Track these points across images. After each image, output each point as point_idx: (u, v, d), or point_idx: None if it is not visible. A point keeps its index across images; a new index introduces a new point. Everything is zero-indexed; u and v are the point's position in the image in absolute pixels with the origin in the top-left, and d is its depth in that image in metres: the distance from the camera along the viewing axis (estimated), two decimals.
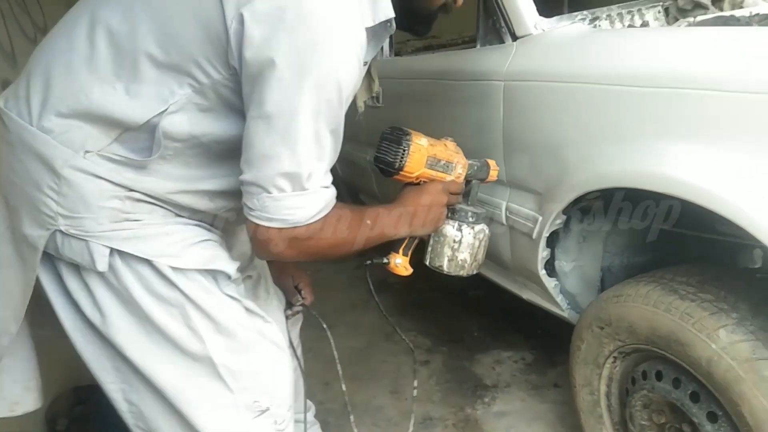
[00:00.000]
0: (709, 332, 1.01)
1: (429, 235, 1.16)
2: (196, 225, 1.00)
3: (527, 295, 1.60)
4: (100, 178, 0.90)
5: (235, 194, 0.94)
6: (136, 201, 0.94)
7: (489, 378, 1.97)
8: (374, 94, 1.26)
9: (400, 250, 1.13)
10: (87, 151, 0.90)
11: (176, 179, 0.95)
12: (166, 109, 0.88)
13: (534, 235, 1.36)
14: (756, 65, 0.87)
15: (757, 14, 1.11)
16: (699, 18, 1.14)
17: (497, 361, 2.06)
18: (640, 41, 1.08)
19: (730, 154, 0.88)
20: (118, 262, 0.92)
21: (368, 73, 1.20)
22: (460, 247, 1.13)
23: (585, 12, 1.26)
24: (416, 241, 1.14)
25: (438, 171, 1.10)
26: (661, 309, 1.10)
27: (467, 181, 1.18)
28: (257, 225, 0.88)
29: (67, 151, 0.90)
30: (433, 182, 1.10)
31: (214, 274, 0.97)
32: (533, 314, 1.77)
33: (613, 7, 1.26)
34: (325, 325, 1.35)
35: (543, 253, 1.37)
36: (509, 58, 1.32)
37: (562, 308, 1.47)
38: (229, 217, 1.05)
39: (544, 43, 1.25)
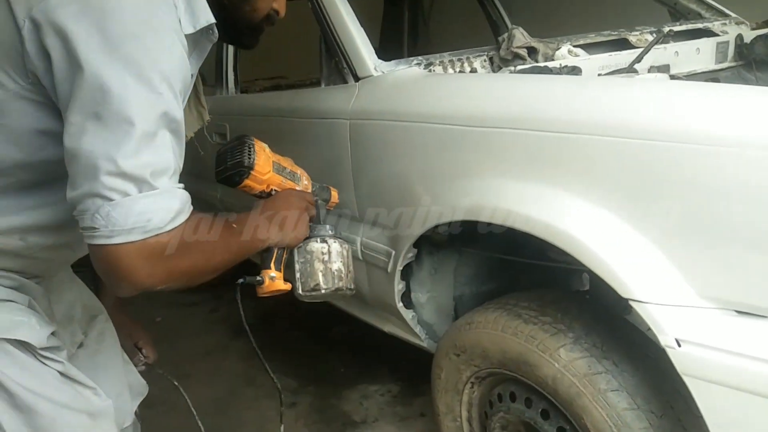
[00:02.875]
0: (551, 352, 1.08)
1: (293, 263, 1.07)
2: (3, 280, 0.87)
3: (388, 327, 1.62)
4: None
5: (53, 228, 0.84)
6: None
7: (357, 414, 1.94)
8: (205, 123, 1.20)
9: (272, 264, 1.02)
10: None
11: None
12: None
13: (389, 269, 1.38)
14: (555, 108, 0.97)
15: (566, 66, 1.25)
16: (519, 67, 1.26)
17: (364, 395, 2.04)
18: (467, 86, 1.16)
19: (554, 188, 0.97)
20: None
21: (197, 100, 1.16)
22: (331, 257, 1.06)
23: (420, 57, 1.33)
24: (285, 255, 1.04)
25: (286, 178, 1.07)
26: (508, 333, 1.16)
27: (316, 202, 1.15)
28: (105, 247, 0.72)
29: None
30: (286, 189, 1.06)
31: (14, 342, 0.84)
32: (396, 346, 1.79)
33: (445, 54, 1.34)
34: (176, 383, 1.26)
35: (398, 286, 1.40)
36: (353, 98, 1.34)
37: (421, 338, 1.50)
38: (49, 259, 0.91)
39: (384, 84, 1.30)
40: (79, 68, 0.70)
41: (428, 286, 1.46)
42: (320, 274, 1.06)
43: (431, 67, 1.33)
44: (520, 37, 1.33)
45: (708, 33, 1.71)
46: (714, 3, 1.99)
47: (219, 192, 2.14)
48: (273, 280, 1.02)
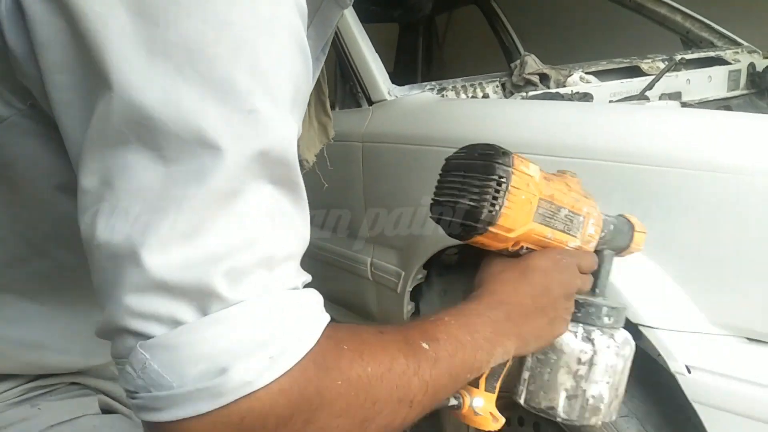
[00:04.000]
0: None
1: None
2: None
3: None
4: None
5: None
6: None
7: None
8: (330, 141, 0.85)
9: (481, 382, 0.58)
10: None
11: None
12: None
13: (398, 290, 1.39)
14: (564, 134, 0.98)
15: (577, 92, 1.27)
16: (531, 93, 1.28)
17: None
18: (478, 111, 1.18)
19: None
20: None
21: (321, 105, 0.78)
22: (592, 372, 0.61)
23: (433, 83, 1.36)
24: (509, 363, 0.59)
25: (556, 230, 0.59)
26: None
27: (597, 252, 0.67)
28: (157, 425, 0.36)
29: None
30: (548, 250, 0.60)
31: None
32: None
33: (458, 80, 1.36)
34: None
35: (408, 307, 1.40)
36: (366, 121, 1.37)
37: None
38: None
39: (397, 108, 1.32)
40: (102, 83, 0.35)
41: (438, 307, 1.46)
42: (563, 396, 0.62)
43: (444, 92, 1.35)
44: (533, 63, 1.35)
45: (720, 61, 1.73)
46: (726, 32, 2.01)
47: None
48: (476, 412, 0.58)
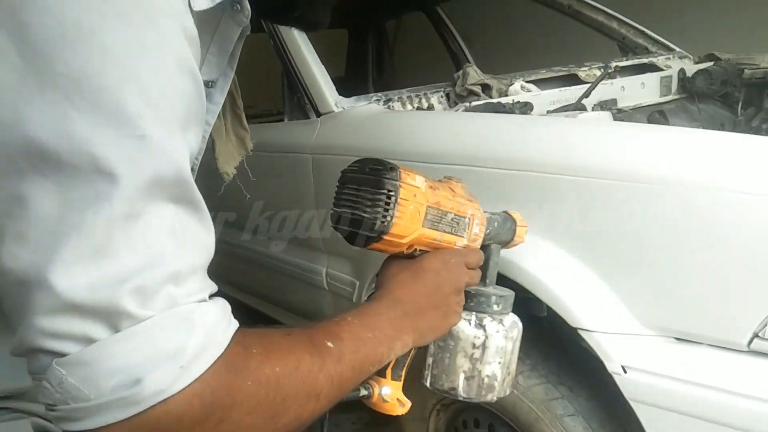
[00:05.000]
0: None
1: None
2: None
3: None
4: None
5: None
6: None
7: None
8: (249, 153, 0.85)
9: (388, 372, 0.64)
10: None
11: None
12: None
13: (354, 299, 1.41)
14: (500, 146, 1.03)
15: (518, 102, 1.32)
16: (474, 103, 1.32)
17: (336, 424, 2.03)
18: (421, 123, 1.21)
19: None
20: None
21: (237, 117, 0.81)
22: (485, 355, 0.68)
23: (380, 94, 1.38)
24: (412, 354, 0.65)
25: (444, 233, 0.65)
26: None
27: (483, 247, 0.74)
28: None
29: None
30: (438, 252, 0.66)
31: None
32: None
33: (403, 90, 1.39)
34: None
35: None
36: (315, 133, 1.38)
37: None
38: None
39: (344, 120, 1.34)
40: None
41: None
42: (461, 377, 0.69)
43: (390, 103, 1.38)
44: (474, 75, 1.39)
45: (652, 68, 1.82)
46: (659, 38, 2.11)
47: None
48: (385, 399, 0.64)
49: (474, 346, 0.68)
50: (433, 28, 2.67)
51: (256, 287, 1.90)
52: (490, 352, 0.68)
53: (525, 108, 1.35)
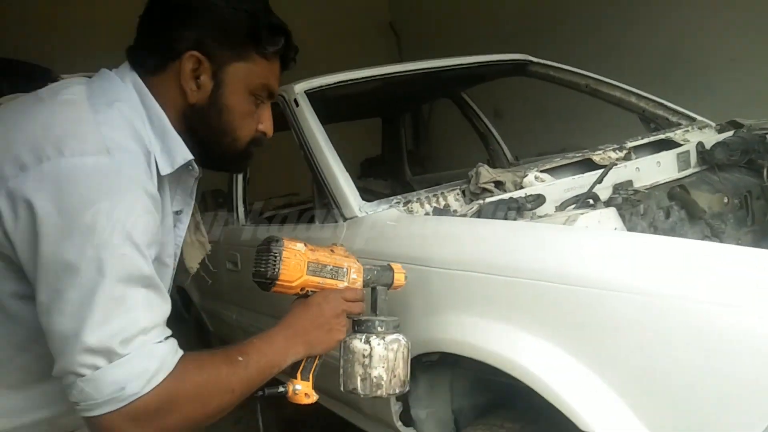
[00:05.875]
0: None
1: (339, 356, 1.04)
2: None
3: None
4: None
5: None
6: None
7: None
8: (207, 252, 1.20)
9: (298, 374, 0.98)
10: None
11: (11, 414, 0.84)
12: None
13: None
14: (503, 255, 1.09)
15: (531, 195, 1.40)
16: (487, 200, 1.41)
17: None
18: (429, 230, 1.33)
19: (514, 327, 1.08)
20: None
21: (198, 230, 1.16)
22: (372, 362, 1.00)
23: (399, 197, 1.49)
24: (317, 362, 1.00)
25: (326, 278, 1.00)
26: None
27: (372, 289, 1.08)
28: (92, 418, 0.73)
29: None
30: (323, 291, 1.00)
31: None
32: None
33: (421, 192, 1.50)
34: None
35: (395, 407, 1.48)
36: (341, 237, 1.50)
37: None
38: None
39: (366, 225, 1.46)
40: (38, 246, 0.72)
41: (426, 402, 1.53)
42: (359, 379, 1.01)
43: (410, 205, 1.48)
44: (485, 174, 1.49)
45: (669, 144, 1.86)
46: (679, 108, 2.16)
47: (234, 313, 2.30)
48: (296, 392, 0.98)
49: (363, 356, 1.02)
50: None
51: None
52: (375, 360, 1.01)
53: (537, 201, 1.42)
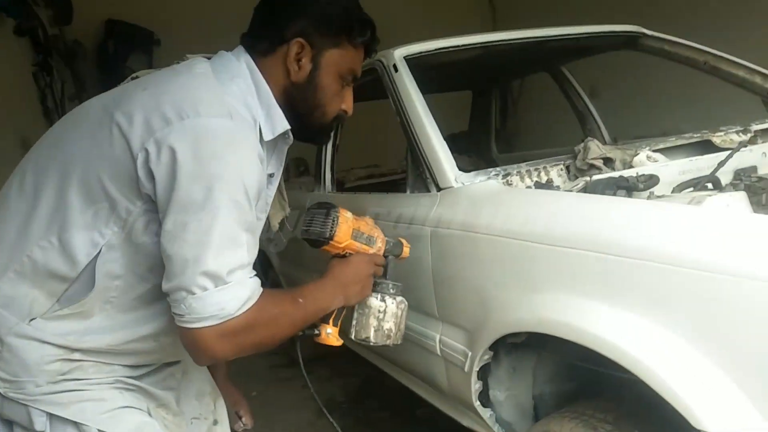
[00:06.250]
0: None
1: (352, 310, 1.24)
2: (134, 391, 1.05)
3: (467, 422, 1.64)
4: (44, 342, 0.95)
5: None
6: (77, 361, 0.98)
7: None
8: (287, 214, 1.39)
9: (331, 321, 1.18)
10: (32, 318, 0.95)
11: (120, 328, 0.99)
12: (99, 251, 0.94)
13: (466, 369, 1.43)
14: (621, 233, 1.01)
15: (643, 174, 1.29)
16: (594, 177, 1.31)
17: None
18: (538, 204, 1.24)
19: (624, 310, 1.00)
20: (56, 424, 0.97)
21: (280, 194, 1.31)
22: (385, 316, 1.22)
23: (498, 168, 1.42)
24: (344, 312, 1.20)
25: (362, 243, 1.20)
26: None
27: (385, 258, 1.28)
28: (190, 329, 0.90)
29: (11, 319, 0.95)
30: (359, 254, 1.20)
31: None
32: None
33: (522, 164, 1.42)
34: None
35: (475, 386, 1.43)
36: (434, 207, 1.45)
37: None
38: (178, 350, 1.03)
39: (463, 195, 1.40)
40: (175, 183, 0.88)
41: (507, 385, 1.48)
42: (372, 330, 1.22)
43: (509, 177, 1.41)
44: (595, 149, 1.39)
45: None
46: None
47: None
48: (329, 335, 1.18)
49: (379, 311, 1.23)
50: (556, 87, 2.66)
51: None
52: (388, 315, 1.23)
53: (650, 182, 1.31)
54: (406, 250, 1.31)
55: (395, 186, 2.31)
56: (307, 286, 1.10)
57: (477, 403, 1.46)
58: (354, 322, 1.23)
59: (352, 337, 1.23)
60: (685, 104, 2.85)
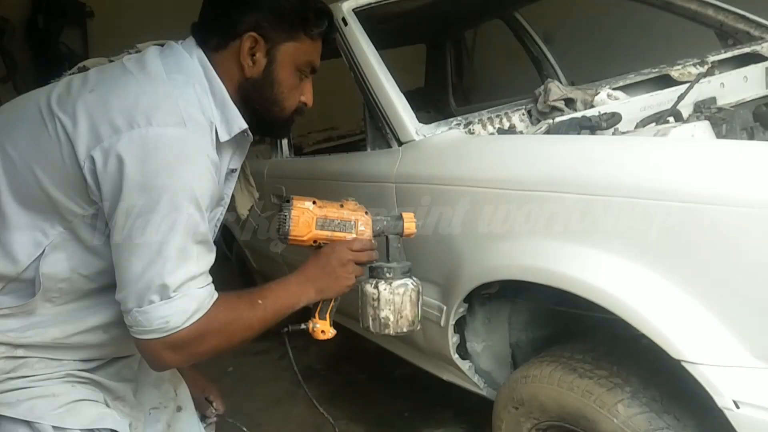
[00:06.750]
0: (609, 408, 1.08)
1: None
2: (87, 384, 1.01)
3: (447, 376, 1.64)
4: None
5: None
6: (21, 358, 0.94)
7: None
8: (256, 200, 1.35)
9: (316, 314, 1.12)
10: None
11: (64, 322, 0.96)
12: (42, 252, 0.91)
13: (442, 323, 1.42)
14: (592, 172, 0.99)
15: (605, 113, 1.26)
16: (557, 119, 1.28)
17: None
18: (504, 149, 1.20)
19: (598, 249, 0.99)
20: (5, 425, 0.93)
21: (247, 181, 1.30)
22: (379, 304, 1.12)
23: (459, 118, 1.38)
24: (333, 303, 1.12)
25: (334, 231, 1.11)
26: (564, 388, 1.17)
27: (386, 238, 1.17)
28: (139, 339, 0.89)
29: None
30: (331, 243, 1.11)
31: None
32: (460, 388, 1.80)
33: (483, 112, 1.38)
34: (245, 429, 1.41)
35: (453, 339, 1.43)
36: (397, 162, 1.41)
37: (480, 387, 1.52)
38: (130, 343, 1.03)
39: (426, 148, 1.35)
40: (121, 195, 0.85)
41: (483, 336, 1.48)
42: (370, 319, 1.15)
43: (471, 126, 1.37)
44: (556, 90, 1.35)
45: (757, 58, 1.67)
46: (762, 20, 1.94)
47: (274, 246, 2.26)
48: (315, 330, 1.12)
49: (373, 299, 1.13)
50: (511, 34, 2.62)
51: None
52: (381, 302, 1.12)
53: (612, 120, 1.29)
54: (409, 226, 1.17)
55: (355, 146, 2.25)
56: (269, 286, 1.04)
57: (455, 356, 1.45)
58: (359, 311, 1.16)
59: (361, 326, 1.16)
60: (640, 42, 2.84)
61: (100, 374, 1.04)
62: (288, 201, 1.09)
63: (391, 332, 1.14)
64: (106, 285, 0.95)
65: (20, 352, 0.94)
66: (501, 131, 1.34)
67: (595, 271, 0.98)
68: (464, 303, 1.34)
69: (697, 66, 1.60)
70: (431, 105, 3.03)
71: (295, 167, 2.04)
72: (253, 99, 1.02)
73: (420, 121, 1.40)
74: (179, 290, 0.87)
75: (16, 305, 0.93)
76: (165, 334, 0.87)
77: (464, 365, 1.47)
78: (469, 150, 1.26)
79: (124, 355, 1.10)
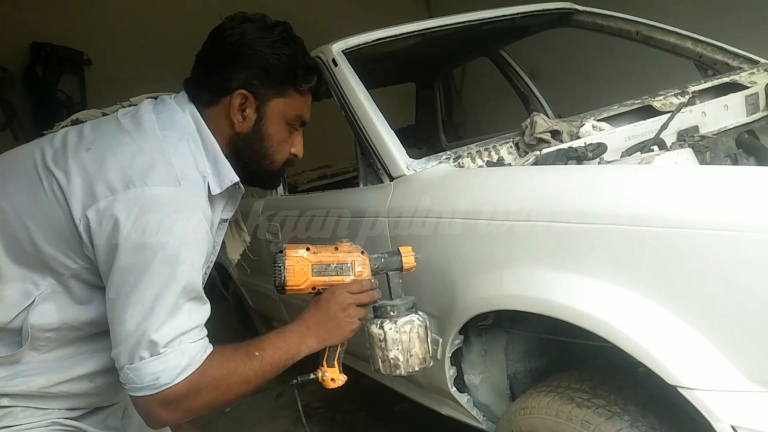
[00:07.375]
0: None
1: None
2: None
3: (446, 410, 1.62)
4: None
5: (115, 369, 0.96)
6: (6, 407, 0.94)
7: None
8: (248, 245, 1.37)
9: (324, 362, 1.10)
10: None
11: (50, 370, 0.96)
12: (32, 302, 0.92)
13: (438, 356, 1.41)
14: (575, 200, 1.01)
15: (591, 144, 1.29)
16: (544, 151, 1.30)
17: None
18: (492, 181, 1.23)
19: (588, 276, 0.99)
20: None
21: (238, 227, 1.34)
22: (387, 345, 1.09)
23: (449, 152, 1.40)
24: (339, 349, 1.10)
25: (332, 276, 1.09)
26: (563, 418, 1.16)
27: (386, 275, 1.15)
28: (134, 397, 0.89)
29: None
30: (330, 288, 1.09)
31: None
32: (459, 422, 1.78)
33: (472, 146, 1.41)
34: None
35: (450, 372, 1.42)
36: (389, 197, 1.43)
37: (479, 420, 1.50)
38: (116, 391, 1.05)
39: (417, 182, 1.37)
40: (116, 253, 0.87)
41: (480, 368, 1.47)
42: (380, 361, 1.11)
43: (460, 160, 1.40)
44: (542, 123, 1.39)
45: (735, 87, 1.72)
46: (739, 51, 2.00)
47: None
48: (324, 379, 1.09)
49: (380, 340, 1.10)
50: (498, 71, 2.68)
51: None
52: (389, 343, 1.09)
53: (598, 150, 1.32)
54: (408, 260, 1.15)
55: (349, 183, 2.28)
56: (268, 337, 1.03)
57: (453, 389, 1.44)
58: (369, 353, 1.13)
59: (373, 368, 1.14)
60: (623, 75, 2.92)
61: (85, 422, 1.03)
62: (281, 251, 1.07)
63: (403, 372, 1.10)
64: (92, 334, 0.96)
65: (5, 402, 0.93)
66: (490, 164, 1.37)
67: (587, 298, 0.99)
68: (460, 335, 1.33)
69: (679, 96, 1.64)
70: (423, 141, 3.09)
71: (290, 204, 2.05)
72: (244, 153, 1.04)
73: (411, 157, 1.42)
74: (169, 346, 0.87)
75: (3, 355, 0.93)
76: (156, 391, 0.87)
77: (462, 398, 1.46)
78: (459, 183, 1.29)
79: (110, 404, 1.09)
